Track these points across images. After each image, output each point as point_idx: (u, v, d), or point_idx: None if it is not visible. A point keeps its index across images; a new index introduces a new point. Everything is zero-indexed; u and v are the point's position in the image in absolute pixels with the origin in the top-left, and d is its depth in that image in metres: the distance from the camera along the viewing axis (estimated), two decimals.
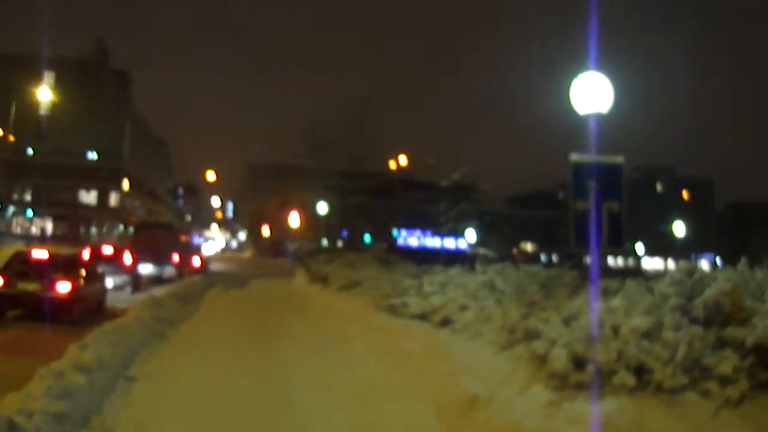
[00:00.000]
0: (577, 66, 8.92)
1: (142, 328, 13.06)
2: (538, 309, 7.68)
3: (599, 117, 8.31)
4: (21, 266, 15.03)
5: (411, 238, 64.52)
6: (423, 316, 10.49)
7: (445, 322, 9.46)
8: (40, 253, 16.11)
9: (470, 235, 56.34)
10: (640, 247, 77.56)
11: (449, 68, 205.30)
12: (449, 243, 58.40)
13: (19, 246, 31.90)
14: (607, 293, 6.91)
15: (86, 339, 9.75)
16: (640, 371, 5.17)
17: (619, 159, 8.30)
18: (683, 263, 9.93)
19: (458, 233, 54.13)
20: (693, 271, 6.09)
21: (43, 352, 9.47)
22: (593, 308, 6.17)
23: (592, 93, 8.31)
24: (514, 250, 72.98)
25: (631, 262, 76.07)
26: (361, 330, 12.08)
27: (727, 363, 4.97)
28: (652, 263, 78.26)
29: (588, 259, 8.99)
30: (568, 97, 8.41)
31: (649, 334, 5.31)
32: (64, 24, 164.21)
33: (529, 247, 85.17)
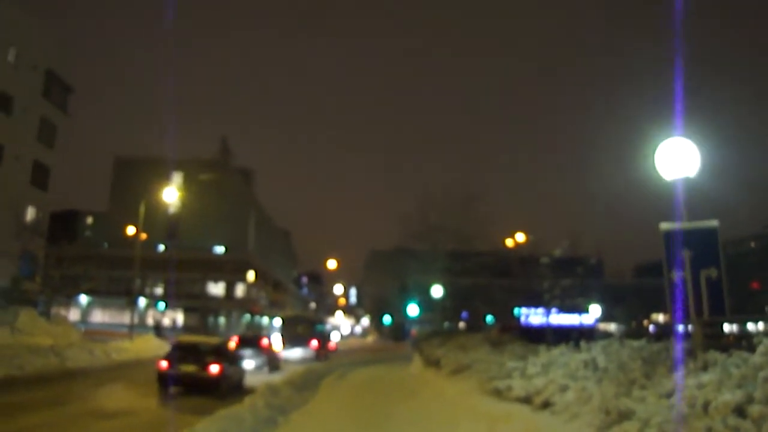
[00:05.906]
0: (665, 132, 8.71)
1: (254, 416, 13.30)
2: (638, 387, 7.29)
3: (688, 181, 7.99)
4: (180, 352, 18.09)
5: (534, 317, 62.61)
6: (527, 399, 10.19)
7: (546, 404, 9.13)
8: (194, 342, 19.95)
9: (595, 310, 54.16)
10: None
11: (550, 145, 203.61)
12: (573, 319, 56.25)
13: (151, 336, 36.80)
14: (707, 366, 6.46)
15: (197, 426, 10.12)
16: None
17: (712, 223, 7.85)
18: None
19: (582, 309, 52.05)
20: None
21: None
22: (687, 384, 5.79)
23: (678, 158, 8.04)
24: (644, 322, 69.11)
25: None
26: (465, 417, 11.79)
27: None
28: None
29: (726, 328, 8.46)
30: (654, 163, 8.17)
31: (740, 410, 4.89)
32: (191, 129, 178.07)
33: (661, 318, 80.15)
